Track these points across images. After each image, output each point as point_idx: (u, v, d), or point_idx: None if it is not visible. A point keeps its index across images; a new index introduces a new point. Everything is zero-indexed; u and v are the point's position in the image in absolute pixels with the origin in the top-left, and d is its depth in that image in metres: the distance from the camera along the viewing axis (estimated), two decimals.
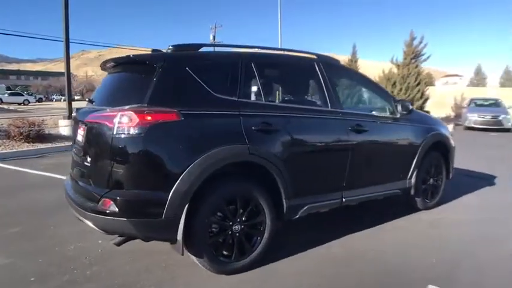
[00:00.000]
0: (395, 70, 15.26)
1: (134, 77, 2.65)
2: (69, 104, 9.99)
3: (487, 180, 5.61)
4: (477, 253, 3.06)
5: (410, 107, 3.74)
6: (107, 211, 2.29)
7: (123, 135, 2.27)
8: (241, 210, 2.64)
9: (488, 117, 13.37)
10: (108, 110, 2.43)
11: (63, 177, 5.81)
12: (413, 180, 3.86)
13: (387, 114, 3.70)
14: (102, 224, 2.33)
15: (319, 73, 3.24)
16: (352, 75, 3.66)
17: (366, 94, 3.77)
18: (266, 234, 2.77)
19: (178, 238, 2.36)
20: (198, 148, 2.40)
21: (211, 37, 43.56)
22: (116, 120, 2.27)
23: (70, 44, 9.97)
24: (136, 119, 2.25)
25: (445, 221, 3.87)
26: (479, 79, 57.50)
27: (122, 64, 2.83)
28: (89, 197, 2.48)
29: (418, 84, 14.44)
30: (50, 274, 2.64)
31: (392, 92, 13.95)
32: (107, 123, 2.33)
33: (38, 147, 8.42)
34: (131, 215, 2.28)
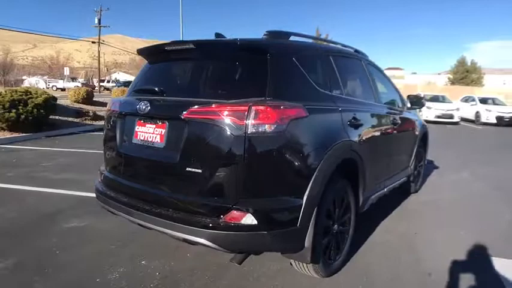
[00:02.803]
0: None
1: (236, 65, 2.21)
2: None
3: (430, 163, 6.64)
4: (495, 225, 3.63)
5: (425, 103, 4.15)
6: (240, 225, 1.90)
7: (259, 135, 1.91)
8: (337, 209, 2.55)
9: None
10: (217, 104, 1.99)
11: (6, 186, 4.46)
12: (412, 167, 4.33)
13: (400, 108, 4.02)
14: (230, 241, 1.92)
15: (364, 67, 3.33)
16: (374, 68, 3.83)
17: (384, 88, 4.00)
18: (351, 231, 2.75)
19: (306, 245, 2.15)
20: (322, 146, 2.21)
21: (96, 21, 38.89)
22: (249, 117, 1.89)
23: None
24: (274, 115, 1.92)
25: (436, 200, 4.47)
26: None
27: (211, 49, 2.36)
28: (196, 210, 2.01)
29: None
30: None
31: None
32: (233, 119, 1.91)
33: None
34: (272, 227, 1.95)
